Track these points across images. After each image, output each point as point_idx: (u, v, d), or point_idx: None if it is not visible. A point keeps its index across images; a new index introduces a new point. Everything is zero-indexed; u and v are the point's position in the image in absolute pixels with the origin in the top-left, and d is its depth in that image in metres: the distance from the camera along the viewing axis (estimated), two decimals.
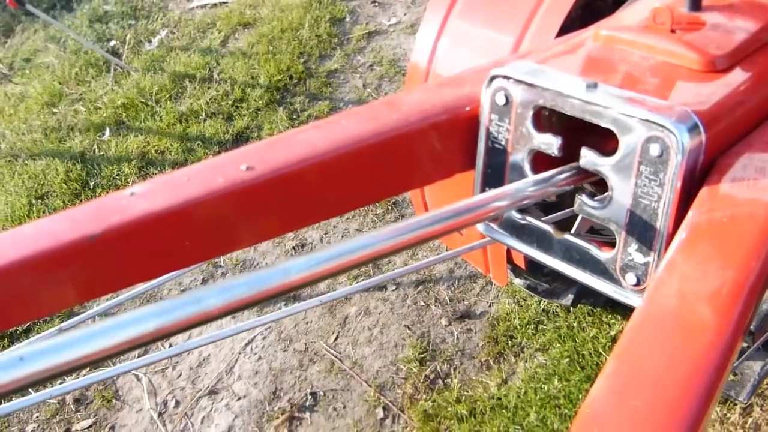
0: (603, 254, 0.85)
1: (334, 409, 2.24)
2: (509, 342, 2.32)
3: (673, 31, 0.96)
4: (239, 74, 3.71)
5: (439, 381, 2.26)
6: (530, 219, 0.93)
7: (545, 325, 2.33)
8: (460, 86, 0.96)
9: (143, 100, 3.65)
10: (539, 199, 0.85)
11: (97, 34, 4.28)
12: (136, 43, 4.16)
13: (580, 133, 0.87)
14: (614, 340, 2.24)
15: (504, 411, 2.12)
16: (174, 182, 0.78)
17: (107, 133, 3.51)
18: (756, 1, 1.07)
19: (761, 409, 1.98)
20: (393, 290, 2.56)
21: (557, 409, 2.10)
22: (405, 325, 2.44)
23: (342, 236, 2.81)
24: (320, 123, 0.88)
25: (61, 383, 1.11)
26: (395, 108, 0.90)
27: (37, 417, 2.39)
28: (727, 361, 0.56)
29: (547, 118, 0.90)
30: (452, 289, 2.53)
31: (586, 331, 2.28)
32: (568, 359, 2.21)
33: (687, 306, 0.60)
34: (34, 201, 3.21)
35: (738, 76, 0.91)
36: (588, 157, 0.83)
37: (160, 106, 3.60)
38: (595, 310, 2.32)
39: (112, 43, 4.21)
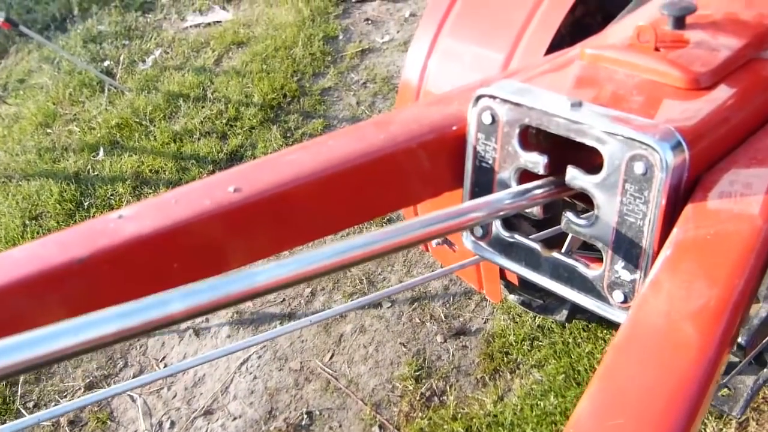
0: (590, 272, 0.86)
1: (330, 428, 2.23)
2: (505, 358, 2.31)
3: (657, 49, 0.97)
4: (233, 93, 3.72)
5: (435, 398, 2.25)
6: (519, 237, 0.93)
7: (541, 341, 2.33)
8: (448, 105, 0.96)
9: (137, 120, 3.66)
10: (517, 211, 0.86)
11: (91, 54, 4.30)
12: (130, 63, 4.17)
13: (567, 149, 0.87)
14: None
15: (500, 428, 2.12)
16: (162, 205, 0.78)
17: (101, 153, 3.52)
18: (739, 18, 1.08)
19: (757, 423, 1.98)
20: (388, 308, 2.56)
21: (553, 425, 2.09)
22: (400, 343, 2.43)
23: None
24: (308, 144, 0.89)
25: (56, 405, 1.11)
26: (383, 128, 0.91)
27: None
28: (711, 378, 0.57)
29: (534, 136, 0.90)
30: (447, 305, 2.53)
31: (582, 346, 2.28)
32: (563, 375, 2.21)
33: (670, 324, 0.61)
34: (27, 222, 3.20)
35: (722, 93, 0.92)
36: (573, 175, 0.84)
37: (155, 125, 3.61)
38: (590, 326, 2.32)
39: (106, 63, 4.23)
